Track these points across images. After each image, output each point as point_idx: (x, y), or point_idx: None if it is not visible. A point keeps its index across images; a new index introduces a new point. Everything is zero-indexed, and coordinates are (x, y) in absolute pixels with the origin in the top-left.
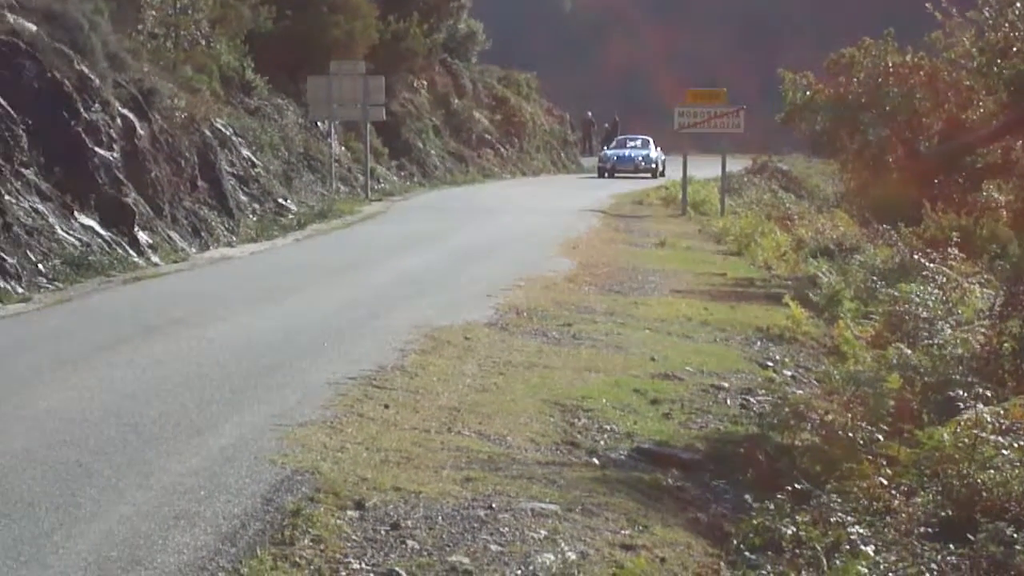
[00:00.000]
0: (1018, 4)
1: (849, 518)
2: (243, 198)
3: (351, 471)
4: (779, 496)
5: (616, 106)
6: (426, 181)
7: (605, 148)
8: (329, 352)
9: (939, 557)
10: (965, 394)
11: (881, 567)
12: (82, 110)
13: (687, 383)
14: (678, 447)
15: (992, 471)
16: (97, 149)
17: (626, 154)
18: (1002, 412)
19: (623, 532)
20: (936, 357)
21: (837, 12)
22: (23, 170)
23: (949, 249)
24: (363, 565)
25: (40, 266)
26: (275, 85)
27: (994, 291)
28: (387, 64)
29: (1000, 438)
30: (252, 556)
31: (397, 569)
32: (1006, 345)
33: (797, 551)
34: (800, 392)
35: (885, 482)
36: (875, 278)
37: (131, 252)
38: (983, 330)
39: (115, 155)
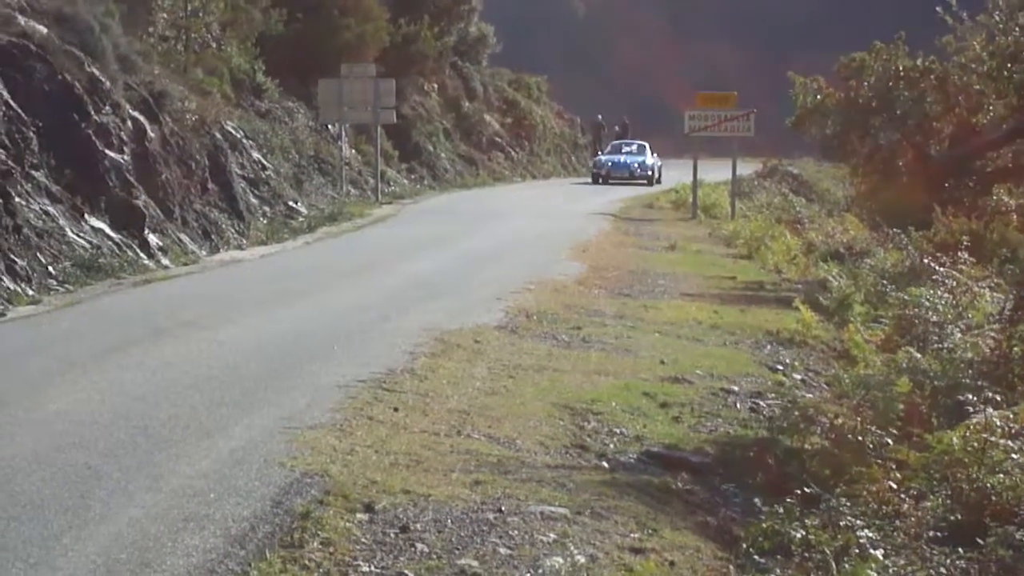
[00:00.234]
0: None
1: (858, 522)
2: (253, 201)
3: (360, 474)
4: (788, 500)
5: (626, 110)
6: (436, 184)
7: (600, 153)
8: (339, 355)
9: (948, 561)
10: (975, 398)
11: (890, 571)
12: (93, 112)
13: (697, 386)
14: (687, 450)
15: (1002, 475)
16: (107, 151)
17: (621, 160)
18: (1012, 416)
19: (632, 535)
20: (946, 361)
21: (848, 16)
22: (33, 172)
23: (959, 253)
24: (372, 568)
25: (50, 268)
26: (286, 88)
27: (1004, 295)
28: (398, 67)
29: (1010, 442)
30: (261, 559)
31: (406, 572)
32: (1016, 349)
33: (806, 555)
34: (810, 396)
35: (894, 486)
36: (885, 282)
37: (141, 254)
38: (993, 334)
39: (125, 157)
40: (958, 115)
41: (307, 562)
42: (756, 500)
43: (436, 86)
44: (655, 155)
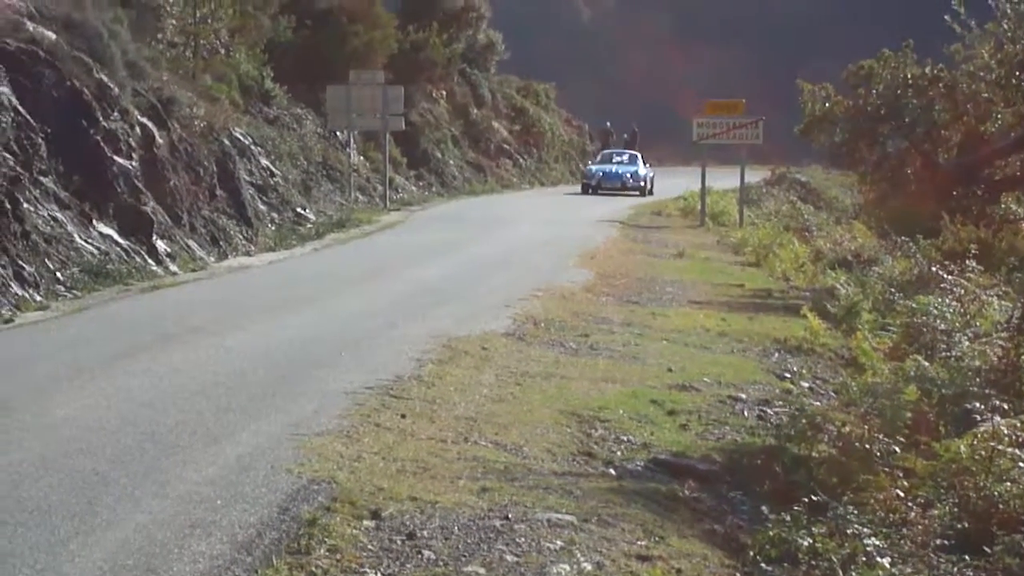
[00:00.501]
0: None
1: (865, 530)
2: (262, 207)
3: (367, 481)
4: (795, 508)
5: (635, 117)
6: (444, 191)
7: (590, 163)
8: (346, 361)
9: (955, 569)
10: (982, 406)
11: None
12: (101, 118)
13: (704, 394)
14: (695, 458)
15: (1009, 484)
16: (116, 157)
17: (612, 170)
18: (1019, 425)
19: (639, 543)
20: (954, 369)
21: (856, 24)
22: (42, 178)
23: (967, 261)
24: (379, 575)
25: (58, 274)
26: (294, 95)
27: (1012, 304)
28: (406, 74)
29: (1017, 451)
30: (268, 565)
31: None
32: None
33: (813, 563)
34: (817, 404)
35: (902, 494)
36: (893, 290)
37: (149, 261)
38: (1001, 343)
39: (134, 164)
40: (966, 123)
41: (314, 569)
42: (763, 508)
43: (444, 93)
44: (648, 165)
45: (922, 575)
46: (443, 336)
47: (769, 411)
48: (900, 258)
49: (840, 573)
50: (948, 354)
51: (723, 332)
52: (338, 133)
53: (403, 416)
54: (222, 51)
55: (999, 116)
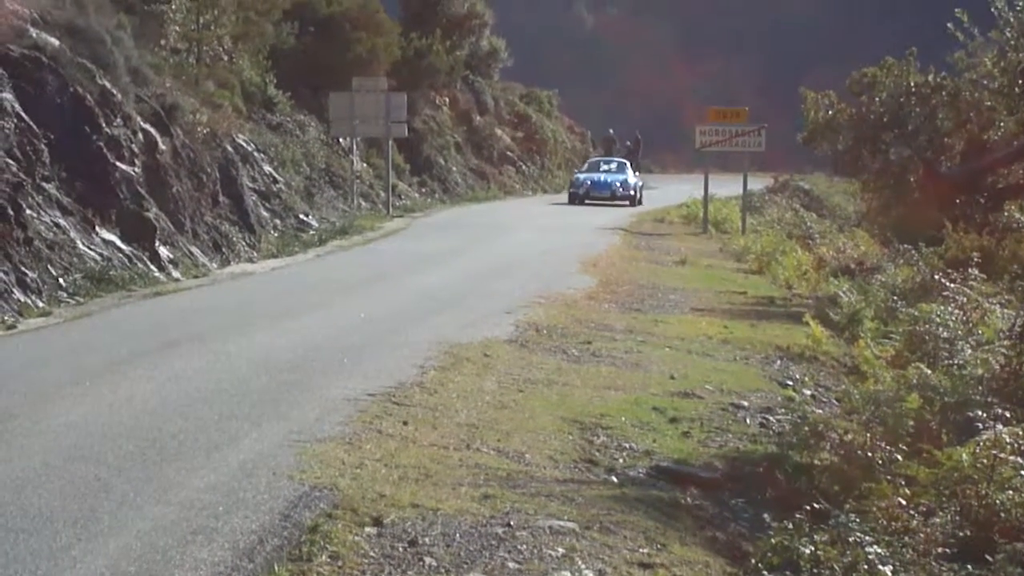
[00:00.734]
0: None
1: (867, 538)
2: (264, 214)
3: (369, 487)
4: (797, 515)
5: (638, 124)
6: (447, 198)
7: (576, 171)
8: (348, 368)
9: None
10: (984, 415)
11: None
12: (104, 125)
13: (706, 401)
14: (697, 466)
15: (1011, 492)
16: (119, 164)
17: (601, 179)
18: (1021, 433)
19: (641, 550)
20: (956, 377)
21: (860, 32)
22: (45, 184)
23: (970, 269)
24: None
25: (61, 280)
26: (297, 101)
27: (1014, 312)
28: (409, 81)
29: (1019, 459)
30: (270, 572)
31: None
32: None
33: (815, 571)
34: (819, 411)
35: (904, 502)
36: (896, 298)
37: (152, 267)
38: (1003, 351)
39: (137, 170)
40: (969, 131)
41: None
42: (765, 515)
43: (447, 100)
44: (637, 174)
45: None
46: (445, 343)
47: (771, 419)
48: (903, 266)
49: None
50: (950, 362)
51: (725, 339)
52: (341, 140)
53: (405, 423)
54: (225, 57)
55: (1002, 124)
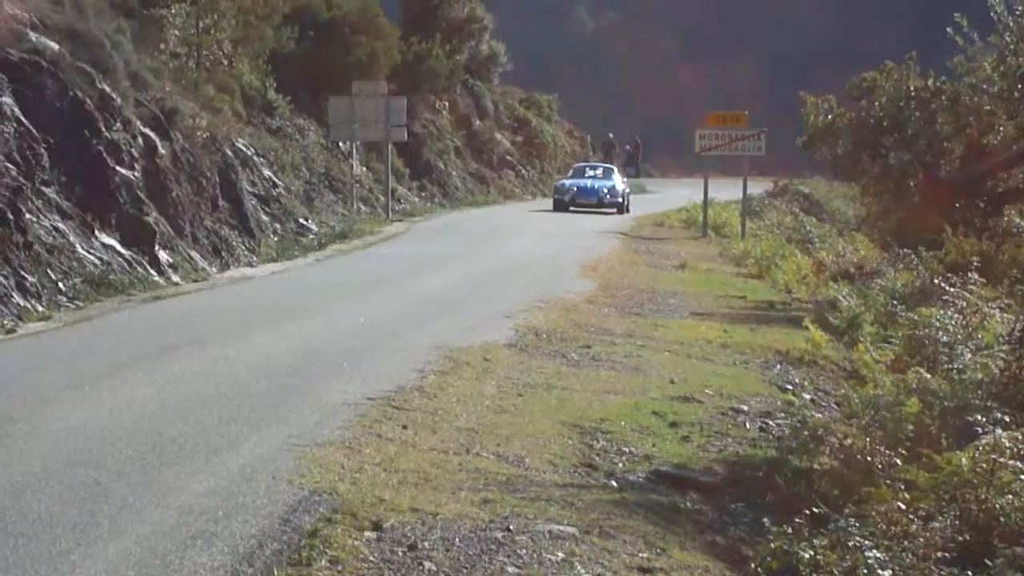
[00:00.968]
0: None
1: (867, 542)
2: (264, 218)
3: (369, 492)
4: (797, 520)
5: (637, 128)
6: (447, 202)
7: (563, 178)
8: (348, 372)
9: None
10: (984, 419)
11: None
12: (104, 129)
13: (706, 406)
14: (696, 470)
15: (1010, 496)
16: (118, 168)
17: (588, 185)
18: (1021, 437)
19: (641, 555)
20: (955, 382)
21: (860, 37)
22: (44, 189)
23: (969, 274)
24: None
25: (60, 284)
26: (297, 105)
27: (1014, 316)
28: (409, 85)
29: (1018, 463)
30: None
31: None
32: None
33: (815, 575)
34: (819, 416)
35: (903, 507)
36: (895, 302)
37: (151, 271)
38: (1003, 355)
39: (136, 174)
40: (969, 135)
41: None
42: (765, 520)
43: (447, 104)
44: (624, 180)
45: None
46: (445, 347)
47: (771, 423)
48: (902, 270)
49: None
50: (950, 366)
51: (725, 344)
52: (341, 144)
53: (404, 427)
54: (225, 62)
55: (1001, 129)
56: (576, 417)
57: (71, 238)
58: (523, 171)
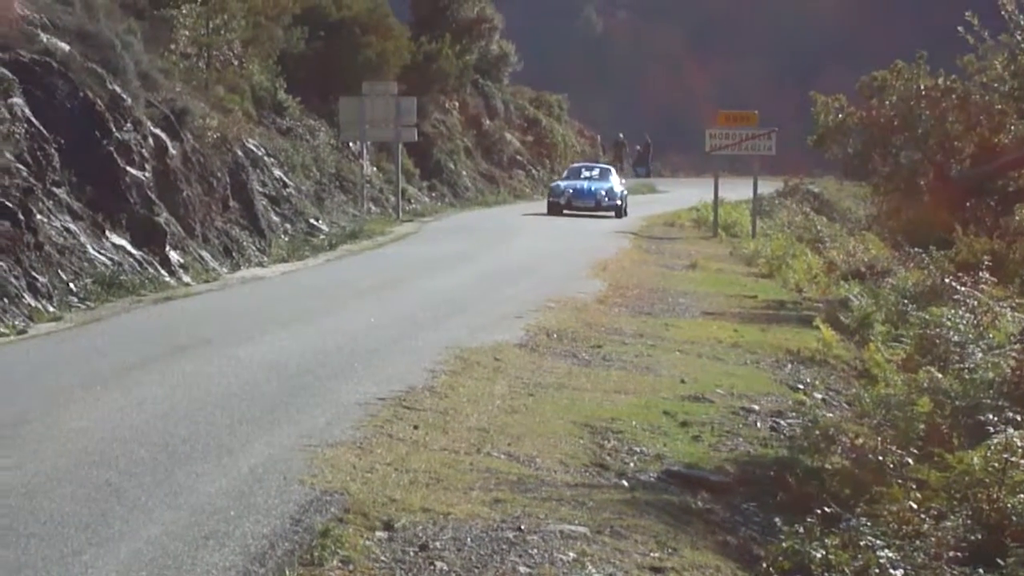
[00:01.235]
0: None
1: (878, 542)
2: (274, 218)
3: (380, 492)
4: (808, 519)
5: (648, 128)
6: (457, 202)
7: (557, 179)
8: (359, 372)
9: None
10: (995, 418)
11: None
12: (114, 129)
13: (717, 405)
14: (708, 470)
15: (1022, 495)
16: (129, 168)
17: (584, 187)
18: None
19: (652, 555)
20: (967, 381)
21: (870, 36)
22: (55, 189)
23: (981, 273)
24: None
25: (71, 285)
26: (307, 106)
27: None
28: (419, 85)
29: None
30: None
31: None
32: None
33: (827, 575)
34: (830, 415)
35: (915, 506)
36: (906, 301)
37: (162, 272)
38: (1014, 354)
39: (147, 175)
40: (979, 134)
41: None
42: (776, 519)
43: (457, 104)
44: (622, 182)
45: None
46: (456, 347)
47: (782, 422)
48: (913, 269)
49: None
50: (961, 366)
51: (736, 343)
52: (351, 144)
53: (416, 427)
54: (235, 62)
55: (1012, 127)
56: (587, 417)
57: (82, 239)
58: (533, 171)
